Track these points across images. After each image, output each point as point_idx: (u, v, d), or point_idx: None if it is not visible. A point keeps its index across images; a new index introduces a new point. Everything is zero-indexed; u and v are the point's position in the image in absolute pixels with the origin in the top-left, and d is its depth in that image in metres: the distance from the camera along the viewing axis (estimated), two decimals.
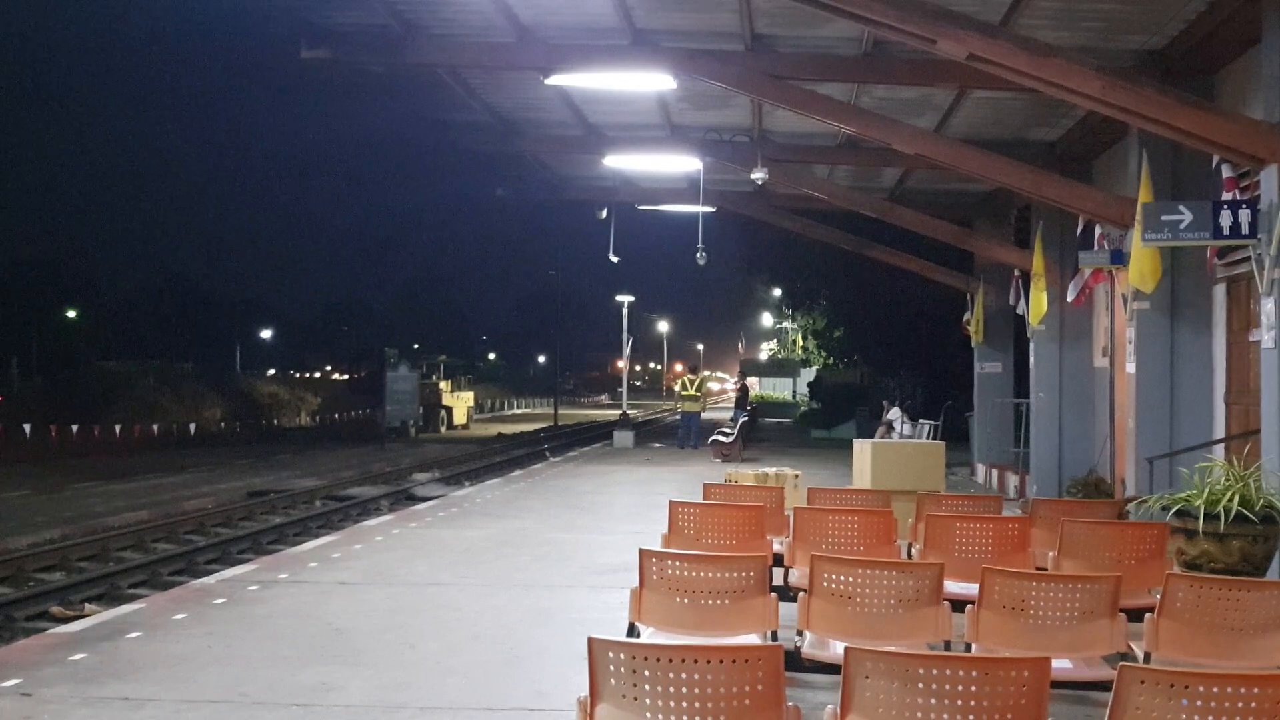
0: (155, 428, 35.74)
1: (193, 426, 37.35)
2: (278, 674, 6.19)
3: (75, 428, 31.11)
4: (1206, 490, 7.14)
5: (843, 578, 5.35)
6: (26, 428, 29.88)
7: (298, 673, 6.21)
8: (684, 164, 17.03)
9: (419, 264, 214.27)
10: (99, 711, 5.47)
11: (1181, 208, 9.43)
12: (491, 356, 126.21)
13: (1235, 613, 5.07)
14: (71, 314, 75.29)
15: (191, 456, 30.53)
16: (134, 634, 7.09)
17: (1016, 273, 17.77)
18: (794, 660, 5.04)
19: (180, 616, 7.63)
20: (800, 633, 5.41)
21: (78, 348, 66.14)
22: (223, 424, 42.66)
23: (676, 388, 27.18)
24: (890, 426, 20.99)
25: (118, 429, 32.99)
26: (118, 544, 14.99)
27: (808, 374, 50.65)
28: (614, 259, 22.03)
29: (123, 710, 5.50)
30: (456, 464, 28.61)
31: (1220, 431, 11.21)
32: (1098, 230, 12.95)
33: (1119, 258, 11.87)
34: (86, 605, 11.40)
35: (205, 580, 9.59)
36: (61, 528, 16.40)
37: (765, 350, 71.57)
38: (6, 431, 29.81)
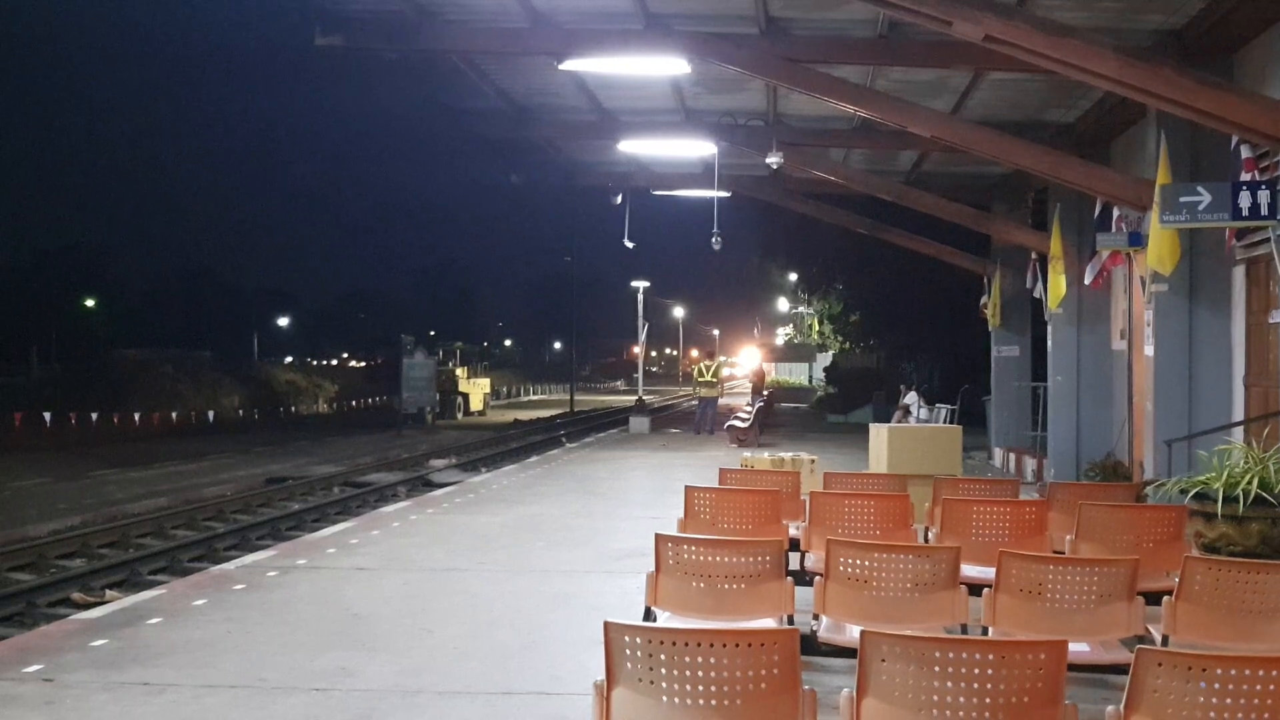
0: (174, 415, 35.97)
1: (211, 414, 37.56)
2: (296, 659, 6.22)
3: (94, 415, 31.30)
4: (1225, 473, 7.09)
5: (859, 562, 5.35)
6: (46, 416, 30.09)
7: (316, 657, 6.24)
8: (699, 149, 16.99)
9: (435, 251, 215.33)
10: (120, 696, 5.52)
11: (1200, 189, 9.36)
12: (507, 343, 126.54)
13: (1254, 596, 5.05)
14: (90, 303, 75.72)
15: (210, 444, 30.71)
16: (154, 620, 7.14)
17: (1034, 255, 17.68)
18: (810, 644, 5.04)
19: (200, 602, 7.68)
20: (816, 617, 5.41)
21: (96, 336, 66.56)
22: (241, 411, 42.88)
23: (693, 373, 27.18)
24: (907, 410, 20.95)
25: (136, 417, 33.21)
26: (138, 531, 15.11)
27: (824, 359, 50.54)
28: (629, 244, 22.03)
29: (143, 695, 5.54)
30: (473, 450, 28.69)
31: (1239, 414, 11.14)
32: (1115, 212, 12.86)
33: (1137, 240, 11.80)
34: (107, 591, 11.50)
35: (225, 566, 9.64)
36: (82, 515, 16.54)
37: (781, 335, 71.41)
38: (26, 419, 30.02)
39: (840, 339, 39.72)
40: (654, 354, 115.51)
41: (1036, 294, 17.65)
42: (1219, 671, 3.29)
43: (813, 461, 11.87)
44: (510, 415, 49.48)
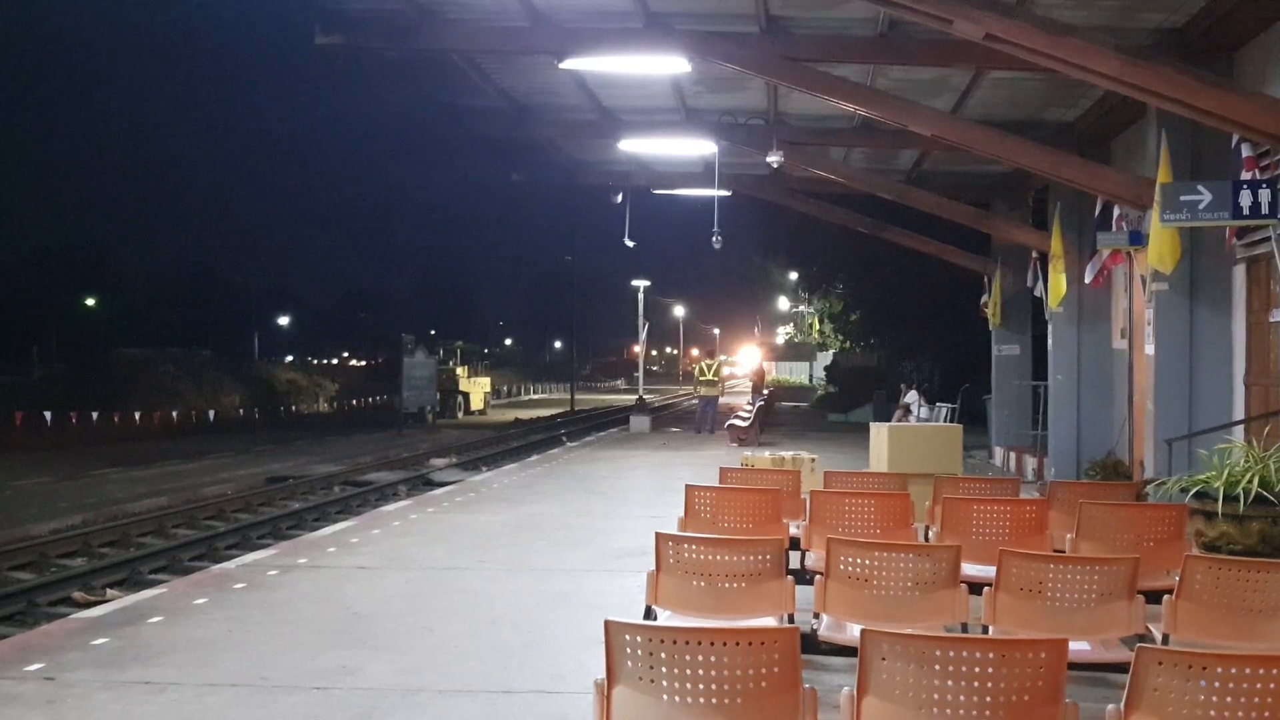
0: (174, 414, 35.97)
1: (212, 413, 37.55)
2: (297, 658, 6.23)
3: (95, 415, 31.30)
4: (1226, 472, 7.10)
5: (859, 560, 5.35)
6: (47, 415, 30.09)
7: (317, 656, 6.25)
8: (699, 148, 16.98)
9: (435, 250, 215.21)
10: (121, 695, 5.52)
11: (1200, 188, 9.36)
12: (508, 342, 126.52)
13: (1254, 594, 5.05)
14: (91, 302, 75.75)
15: (210, 443, 30.69)
16: (155, 619, 7.15)
17: (1034, 254, 17.67)
18: (810, 643, 5.04)
19: (201, 601, 7.68)
20: (817, 615, 5.41)
21: (97, 335, 66.47)
22: (241, 410, 42.88)
23: (694, 372, 27.18)
24: (907, 409, 20.95)
25: (137, 416, 33.21)
26: (139, 530, 15.11)
27: (824, 358, 50.56)
28: (630, 244, 22.01)
29: (144, 694, 5.54)
30: (473, 449, 28.69)
31: (1240, 413, 11.14)
32: (1116, 211, 12.86)
33: (1137, 239, 11.80)
34: (108, 590, 11.50)
35: (225, 565, 9.65)
36: (83, 514, 16.53)
37: (782, 334, 71.47)
38: (27, 418, 30.03)
39: (841, 338, 39.73)
40: (654, 353, 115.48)
41: (1037, 293, 17.65)
42: (1219, 670, 3.29)
43: (813, 460, 11.86)
44: (511, 414, 49.47)
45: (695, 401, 28.54)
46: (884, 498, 7.39)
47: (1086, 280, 14.94)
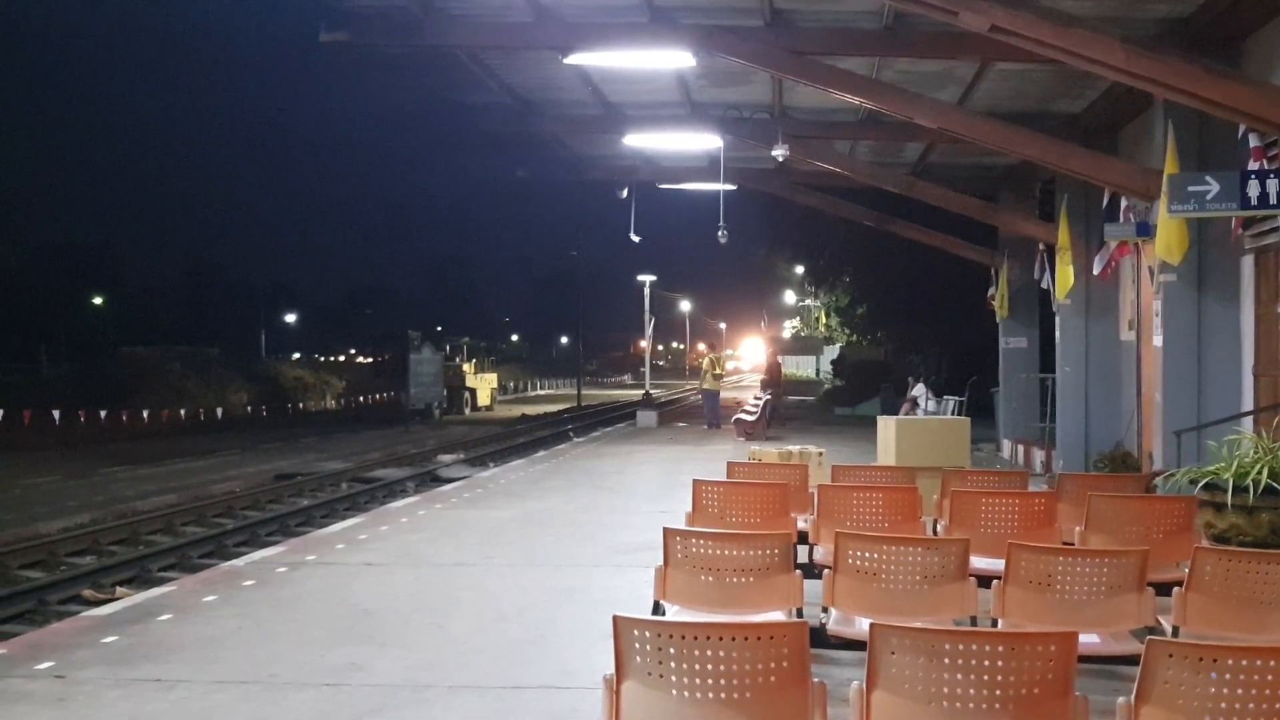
0: (182, 412, 36.03)
1: (219, 411, 37.59)
2: (307, 654, 6.24)
3: (103, 413, 31.37)
4: (1235, 463, 7.09)
5: (868, 554, 5.34)
6: (55, 414, 30.16)
7: (326, 653, 6.26)
8: (704, 142, 16.97)
9: (441, 246, 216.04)
10: (131, 693, 5.53)
11: (1208, 178, 9.33)
12: (514, 338, 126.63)
13: (1264, 586, 5.03)
14: (98, 300, 75.95)
15: (218, 441, 30.76)
16: (165, 616, 7.17)
17: (1041, 246, 17.62)
18: (819, 637, 5.03)
19: (210, 598, 7.70)
20: (825, 609, 5.40)
21: (105, 334, 66.65)
22: (249, 408, 42.94)
23: (703, 366, 27.12)
24: (915, 403, 20.91)
25: (145, 414, 33.27)
26: (147, 528, 15.15)
27: (831, 351, 50.50)
28: (635, 239, 22.00)
29: (155, 691, 5.56)
30: (481, 445, 28.72)
31: (1248, 404, 11.10)
32: (1123, 202, 12.82)
33: (1145, 230, 11.76)
34: (118, 588, 11.53)
35: (234, 563, 9.68)
36: (92, 512, 16.58)
37: (788, 328, 71.42)
38: (36, 417, 30.09)
39: (847, 331, 39.71)
40: (660, 348, 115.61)
41: (1044, 285, 17.60)
42: (1229, 662, 3.29)
43: (820, 454, 11.86)
44: (517, 410, 49.48)
45: (698, 397, 28.53)
46: (892, 491, 7.37)
47: (1094, 272, 14.88)
